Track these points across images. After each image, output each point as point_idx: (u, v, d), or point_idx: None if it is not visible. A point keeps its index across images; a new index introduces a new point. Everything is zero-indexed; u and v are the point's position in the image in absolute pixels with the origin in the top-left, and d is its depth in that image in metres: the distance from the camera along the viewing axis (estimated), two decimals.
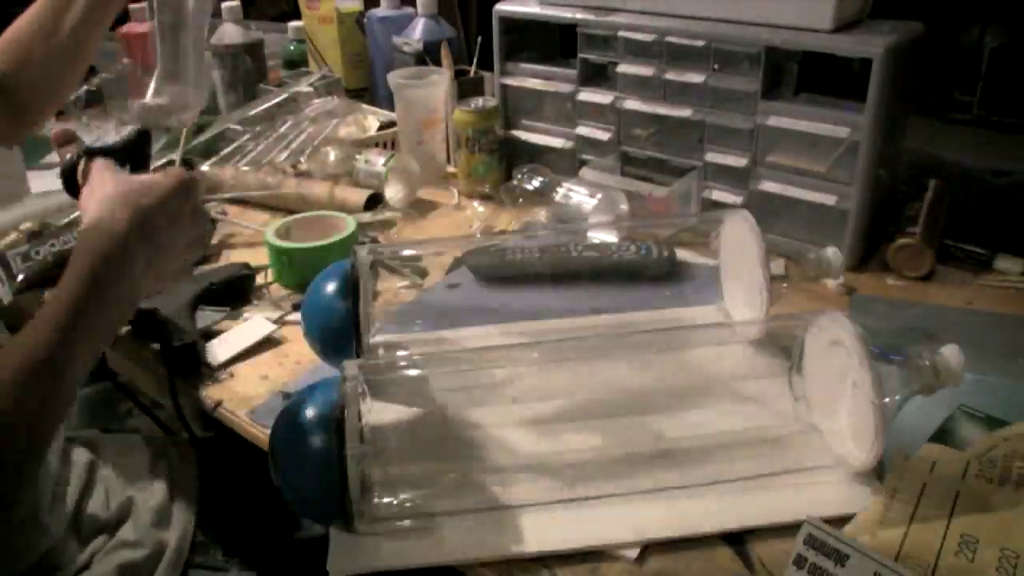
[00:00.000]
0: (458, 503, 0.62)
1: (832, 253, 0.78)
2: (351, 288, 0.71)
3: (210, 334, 0.85)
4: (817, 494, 0.62)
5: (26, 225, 1.05)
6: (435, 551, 0.59)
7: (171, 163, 0.72)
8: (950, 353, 0.62)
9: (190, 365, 0.80)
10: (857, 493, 0.61)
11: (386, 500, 0.61)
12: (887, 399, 0.59)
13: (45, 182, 1.23)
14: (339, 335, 0.71)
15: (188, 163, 1.13)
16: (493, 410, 0.72)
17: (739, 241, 0.79)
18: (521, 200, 1.06)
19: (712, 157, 0.98)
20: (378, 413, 0.67)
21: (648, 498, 0.62)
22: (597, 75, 1.07)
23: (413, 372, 0.69)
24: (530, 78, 1.12)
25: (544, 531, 0.60)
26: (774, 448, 0.66)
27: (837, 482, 0.63)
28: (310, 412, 0.58)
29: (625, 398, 0.73)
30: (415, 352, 0.77)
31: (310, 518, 0.59)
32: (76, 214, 1.10)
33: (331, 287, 0.72)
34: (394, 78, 1.18)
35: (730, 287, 0.84)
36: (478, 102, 1.12)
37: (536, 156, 1.14)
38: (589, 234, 0.98)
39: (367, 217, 1.06)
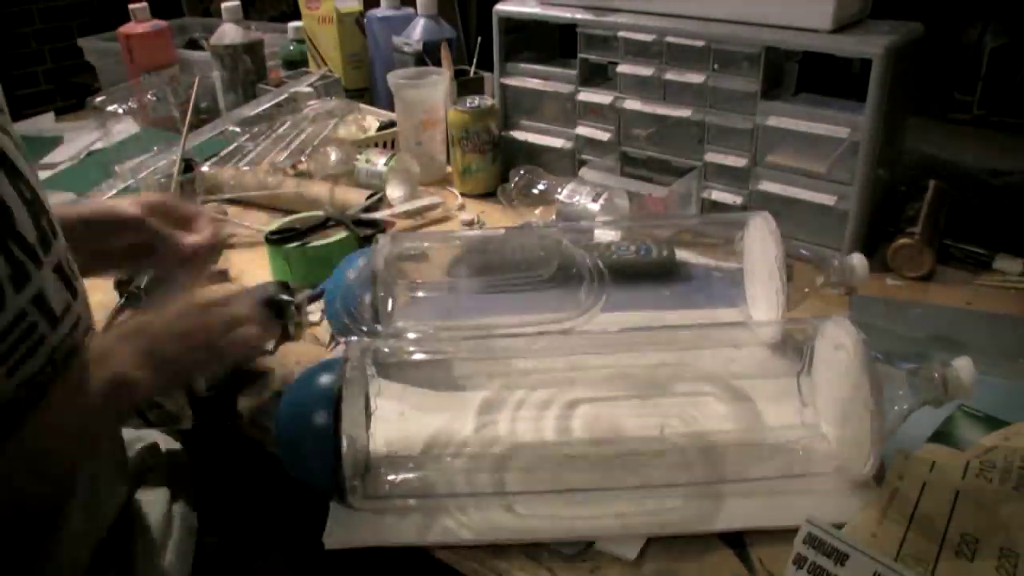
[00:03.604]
0: (459, 486, 0.63)
1: (857, 260, 0.78)
2: (372, 276, 0.73)
3: (241, 375, 0.78)
4: (817, 500, 0.61)
5: None
6: (431, 531, 0.59)
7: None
8: (962, 367, 0.60)
9: (220, 415, 0.75)
10: (854, 502, 0.61)
11: (389, 478, 0.63)
12: (896, 407, 0.59)
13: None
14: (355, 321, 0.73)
15: (188, 164, 1.13)
16: (500, 397, 0.72)
17: (759, 244, 0.79)
18: (516, 201, 1.06)
19: (712, 157, 0.98)
20: (387, 393, 0.68)
21: (648, 493, 0.62)
22: (597, 75, 1.07)
23: (420, 355, 0.70)
24: (530, 78, 1.12)
25: (541, 520, 0.60)
26: (778, 452, 0.66)
27: (837, 489, 0.62)
28: (314, 388, 0.60)
29: (633, 393, 0.73)
30: (426, 336, 0.77)
31: (314, 487, 0.62)
32: None
33: (352, 274, 0.75)
34: (394, 78, 1.18)
35: (752, 290, 0.83)
36: (473, 101, 1.12)
37: (536, 156, 1.14)
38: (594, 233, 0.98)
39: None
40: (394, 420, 0.68)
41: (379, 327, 0.72)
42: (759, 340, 0.76)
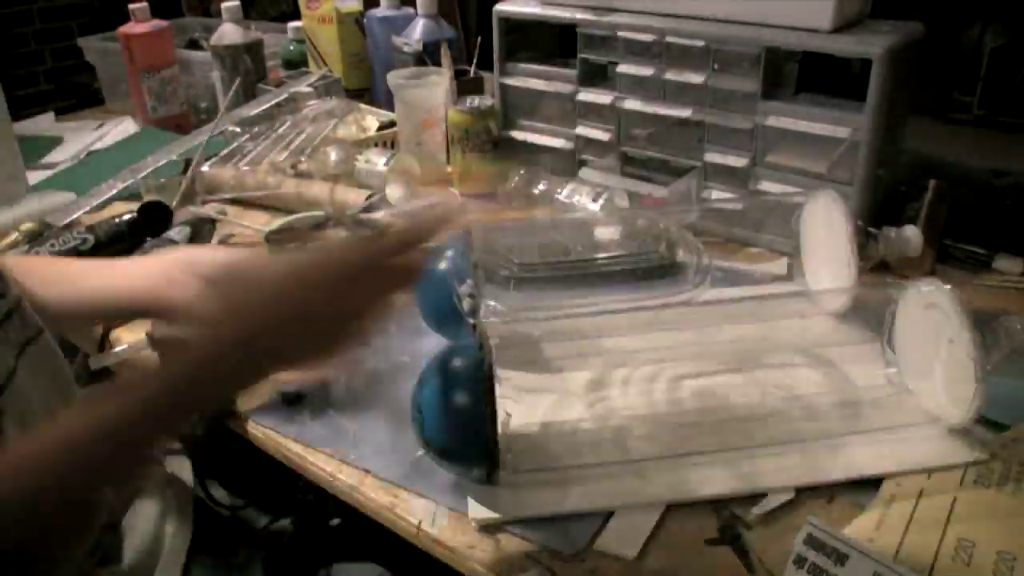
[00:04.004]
0: (587, 457, 0.67)
1: (911, 232, 0.85)
2: (471, 266, 0.74)
3: None
4: (914, 449, 0.66)
5: (26, 225, 1.05)
6: (569, 500, 0.62)
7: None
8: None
9: (218, 417, 0.74)
10: (955, 446, 0.65)
11: (522, 453, 0.65)
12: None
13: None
14: (452, 310, 0.73)
15: (189, 164, 1.13)
16: (604, 376, 0.76)
17: (824, 219, 0.82)
18: (515, 201, 1.06)
19: (712, 157, 0.98)
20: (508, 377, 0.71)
21: (763, 451, 0.66)
22: (597, 75, 1.07)
23: (538, 339, 0.75)
24: (530, 78, 1.12)
25: (671, 483, 0.64)
26: (869, 409, 0.70)
27: (931, 438, 0.67)
28: (459, 370, 0.62)
29: (728, 367, 0.76)
30: (533, 319, 0.81)
31: (453, 469, 0.64)
32: (78, 213, 1.10)
33: (444, 264, 0.75)
34: (394, 78, 1.18)
35: (812, 265, 0.86)
36: (473, 101, 1.12)
37: (536, 156, 1.14)
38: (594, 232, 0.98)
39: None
40: (510, 401, 0.69)
41: (472, 319, 0.73)
42: (827, 310, 0.82)
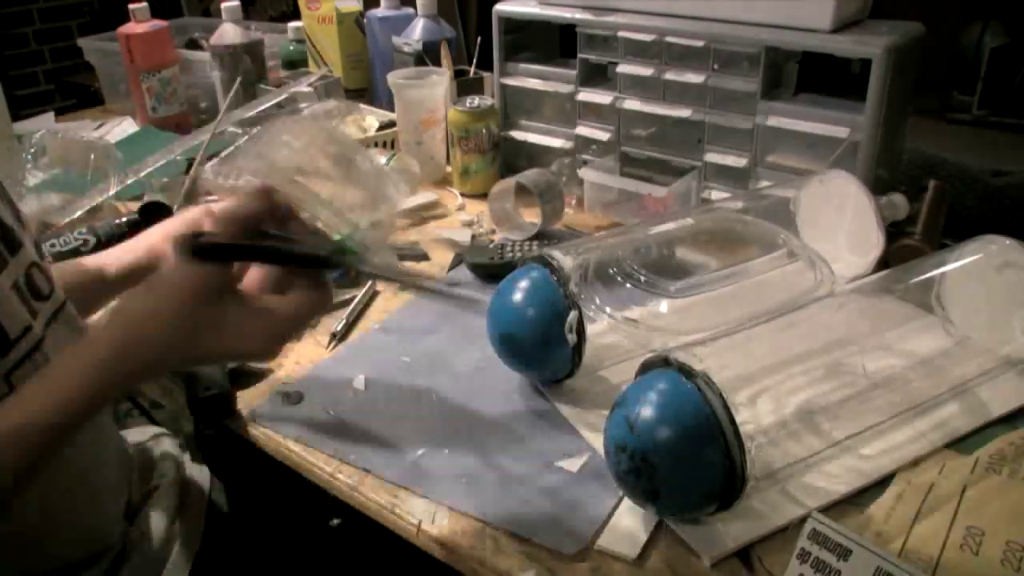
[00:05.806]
0: (796, 453, 0.63)
1: (899, 199, 0.89)
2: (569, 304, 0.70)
3: (240, 373, 0.78)
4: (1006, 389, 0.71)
5: None
6: (806, 499, 0.61)
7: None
8: None
9: (218, 414, 0.74)
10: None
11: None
12: None
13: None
14: (534, 341, 0.71)
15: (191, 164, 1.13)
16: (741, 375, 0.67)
17: (830, 200, 0.86)
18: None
19: (712, 157, 0.98)
20: None
21: (887, 426, 0.67)
22: (597, 75, 1.07)
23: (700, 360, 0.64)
24: (530, 78, 1.12)
25: (886, 452, 0.65)
26: (952, 365, 0.73)
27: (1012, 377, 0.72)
28: (685, 424, 0.56)
29: (816, 349, 0.72)
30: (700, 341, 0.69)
31: (679, 515, 0.60)
32: (78, 213, 1.10)
33: (532, 312, 0.71)
34: (394, 78, 1.18)
35: (823, 245, 0.83)
36: (473, 101, 1.12)
37: (536, 156, 1.14)
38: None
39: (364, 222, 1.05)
40: None
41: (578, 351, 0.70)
42: (848, 278, 0.83)
